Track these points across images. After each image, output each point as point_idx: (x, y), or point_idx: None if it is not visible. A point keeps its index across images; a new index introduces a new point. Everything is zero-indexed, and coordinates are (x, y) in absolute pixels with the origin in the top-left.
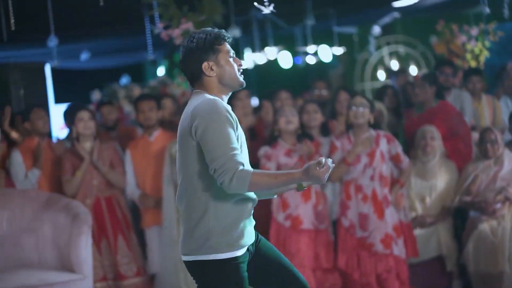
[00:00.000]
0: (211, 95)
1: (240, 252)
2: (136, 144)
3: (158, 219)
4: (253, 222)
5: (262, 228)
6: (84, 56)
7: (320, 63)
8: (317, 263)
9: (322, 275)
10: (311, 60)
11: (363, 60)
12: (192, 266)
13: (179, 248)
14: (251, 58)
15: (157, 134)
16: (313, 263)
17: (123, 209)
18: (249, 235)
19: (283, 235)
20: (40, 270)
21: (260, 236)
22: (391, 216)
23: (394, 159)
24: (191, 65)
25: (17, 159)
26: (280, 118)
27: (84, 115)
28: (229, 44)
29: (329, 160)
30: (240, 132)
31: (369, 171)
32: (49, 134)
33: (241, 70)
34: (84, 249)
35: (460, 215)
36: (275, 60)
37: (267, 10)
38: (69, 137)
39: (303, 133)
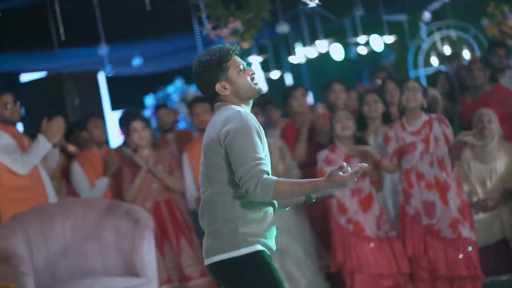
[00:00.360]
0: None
1: (265, 247)
2: (192, 146)
3: None
4: (275, 232)
5: (320, 229)
6: (136, 61)
7: (372, 53)
8: (391, 270)
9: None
10: (362, 50)
11: (415, 47)
12: (220, 267)
13: (205, 251)
14: (302, 53)
15: None
16: (384, 269)
17: (183, 211)
18: (273, 240)
19: (348, 239)
20: (105, 277)
21: None
22: (453, 199)
23: (446, 141)
24: (205, 89)
25: (77, 170)
26: (336, 124)
27: (137, 125)
28: (237, 55)
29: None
30: (265, 143)
31: (427, 158)
32: (106, 142)
33: (254, 78)
34: (148, 253)
35: None
36: (327, 53)
37: (313, 3)
38: (126, 144)
39: (359, 139)
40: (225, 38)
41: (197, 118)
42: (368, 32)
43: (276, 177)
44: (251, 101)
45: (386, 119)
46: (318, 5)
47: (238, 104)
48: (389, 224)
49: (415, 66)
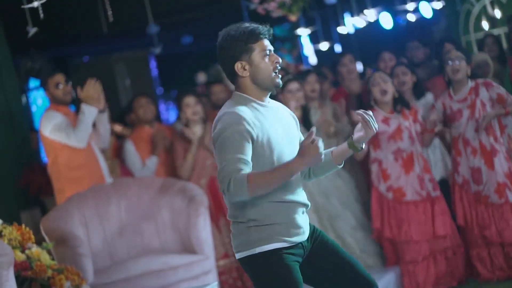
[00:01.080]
0: (247, 93)
1: (284, 244)
2: None
3: None
4: (302, 219)
5: (363, 196)
6: (186, 40)
7: (421, 20)
8: (428, 232)
9: (434, 243)
10: (411, 18)
11: (465, 12)
12: (242, 263)
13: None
14: (351, 22)
15: None
16: (422, 234)
17: None
18: (295, 232)
19: (386, 206)
20: (163, 255)
21: (321, 233)
22: (500, 164)
23: (499, 101)
24: (226, 65)
25: (130, 149)
26: (373, 87)
27: (190, 100)
28: (268, 39)
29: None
30: (270, 136)
31: (472, 123)
32: (157, 120)
33: (278, 68)
34: (204, 230)
35: None
36: (376, 22)
37: None
38: (179, 120)
39: (399, 100)
40: (273, 12)
41: (215, 96)
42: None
43: (249, 175)
44: (267, 94)
45: (419, 91)
46: None
47: (253, 95)
48: (432, 184)
49: (466, 31)
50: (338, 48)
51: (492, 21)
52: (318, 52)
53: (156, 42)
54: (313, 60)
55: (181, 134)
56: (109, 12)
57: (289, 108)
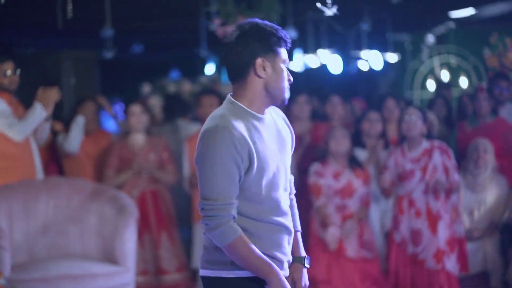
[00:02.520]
0: (248, 99)
1: (249, 274)
2: (192, 138)
3: None
4: (287, 250)
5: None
6: (137, 48)
7: (372, 69)
8: None
9: None
10: (363, 66)
11: (413, 69)
12: (205, 282)
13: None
14: (302, 60)
15: None
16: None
17: (168, 203)
18: (277, 263)
19: (327, 254)
20: (84, 260)
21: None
22: (443, 230)
23: (445, 172)
24: (242, 57)
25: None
26: (330, 139)
27: (136, 109)
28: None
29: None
30: (262, 155)
31: (421, 185)
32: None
33: (289, 86)
34: (129, 242)
35: (507, 231)
36: (326, 64)
37: (330, 11)
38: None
39: (353, 160)
40: None
41: (202, 110)
42: (371, 48)
43: (241, 231)
44: (268, 107)
45: (383, 138)
46: (333, 14)
47: (257, 102)
48: (371, 245)
49: (411, 88)
50: None
51: (439, 82)
52: None
53: (110, 46)
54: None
55: (119, 143)
56: (69, 8)
57: None
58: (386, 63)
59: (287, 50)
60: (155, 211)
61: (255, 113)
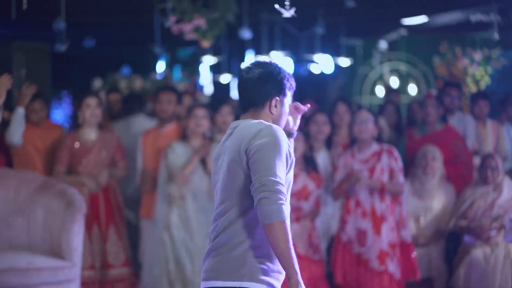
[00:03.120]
0: None
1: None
2: (148, 134)
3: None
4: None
5: None
6: (88, 42)
7: (322, 73)
8: None
9: None
10: (315, 69)
11: (363, 74)
12: None
13: (205, 272)
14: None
15: (169, 128)
16: None
17: (118, 198)
18: (281, 278)
19: None
20: (30, 254)
21: None
22: (387, 232)
23: (390, 174)
24: (260, 92)
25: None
26: None
27: (92, 101)
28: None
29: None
30: (291, 170)
31: (361, 184)
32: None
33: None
34: (76, 237)
35: (453, 239)
36: None
37: (287, 13)
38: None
39: (310, 160)
40: (186, 34)
41: (160, 106)
42: (324, 51)
43: (286, 221)
44: None
45: (329, 142)
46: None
47: None
48: (317, 248)
49: (360, 93)
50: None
51: (388, 88)
52: (217, 84)
53: (64, 39)
54: (208, 90)
55: (70, 136)
56: None
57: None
58: (337, 67)
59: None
60: (105, 205)
61: None
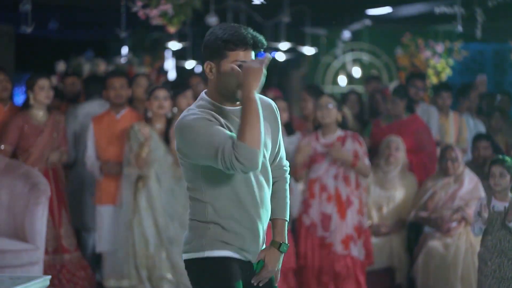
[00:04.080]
0: (213, 96)
1: (236, 255)
2: (101, 119)
3: (113, 198)
4: (261, 237)
5: None
6: (52, 25)
7: (287, 61)
8: None
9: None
10: (280, 57)
11: (326, 63)
12: (186, 264)
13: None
14: None
15: (124, 113)
16: None
17: (63, 183)
18: (251, 248)
19: None
20: None
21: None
22: (352, 217)
23: (355, 158)
24: (202, 60)
25: None
26: None
27: (45, 83)
28: (250, 51)
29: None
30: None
31: (333, 170)
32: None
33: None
34: (40, 220)
35: (415, 229)
36: None
37: (257, 0)
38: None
39: None
40: (153, 19)
41: (114, 92)
42: (288, 40)
43: (239, 141)
44: (231, 102)
45: (289, 128)
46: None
47: (217, 100)
48: None
49: (322, 82)
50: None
51: (351, 78)
52: (181, 69)
53: (29, 21)
54: (172, 75)
55: (21, 116)
56: None
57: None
58: (300, 55)
59: (246, 49)
60: (56, 189)
61: (220, 104)
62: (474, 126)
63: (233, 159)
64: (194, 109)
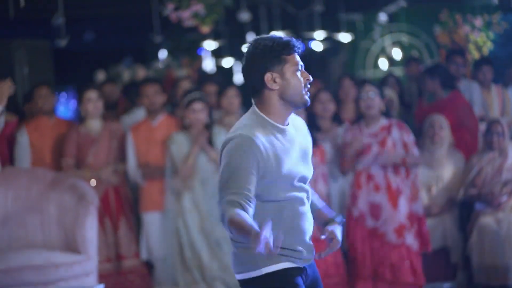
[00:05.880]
0: (269, 112)
1: (292, 264)
2: (138, 128)
3: (159, 204)
4: (308, 245)
5: None
6: (89, 36)
7: (326, 50)
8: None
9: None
10: (317, 46)
11: (365, 48)
12: (243, 284)
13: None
14: None
15: (161, 119)
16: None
17: (126, 190)
18: (300, 254)
19: None
20: (45, 250)
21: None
22: (404, 205)
23: (404, 148)
24: (253, 75)
25: (24, 142)
26: None
27: (92, 95)
28: (299, 55)
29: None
30: (281, 161)
31: (381, 160)
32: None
33: (308, 87)
34: (90, 230)
35: (466, 207)
36: None
37: None
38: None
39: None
40: (185, 21)
41: (148, 99)
42: (324, 28)
43: (236, 211)
44: (292, 111)
45: (337, 118)
46: None
47: (276, 111)
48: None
49: (363, 67)
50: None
51: (392, 61)
52: (220, 68)
53: (63, 34)
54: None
55: (76, 130)
56: None
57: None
58: (338, 43)
59: (297, 53)
60: (115, 197)
61: (277, 124)
62: None
63: (223, 216)
64: (250, 124)
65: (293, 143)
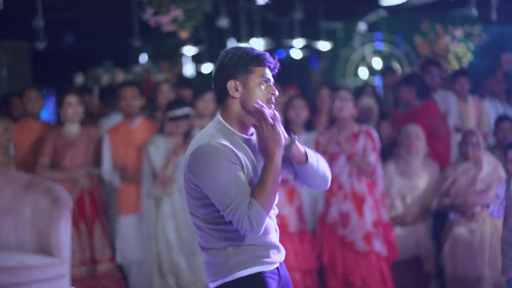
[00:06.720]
0: (232, 121)
1: (265, 267)
2: (116, 130)
3: (135, 207)
4: (276, 236)
5: None
6: (68, 38)
7: (305, 57)
8: (298, 264)
9: (300, 277)
10: (296, 54)
11: (345, 57)
12: None
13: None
14: None
15: (139, 122)
16: (297, 265)
17: (101, 194)
18: (273, 251)
19: None
20: (18, 253)
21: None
22: (369, 212)
23: (364, 154)
24: (219, 82)
25: None
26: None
27: (72, 99)
28: (270, 70)
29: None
30: (249, 168)
31: (347, 168)
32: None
33: (273, 101)
34: (64, 233)
35: (440, 216)
36: None
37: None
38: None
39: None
40: (164, 26)
41: (126, 102)
42: (304, 36)
43: (254, 200)
44: (253, 121)
45: (309, 125)
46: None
47: (236, 121)
48: (307, 219)
49: (343, 76)
50: None
51: (372, 70)
52: (199, 74)
53: (42, 36)
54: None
55: (54, 132)
56: None
57: None
58: (317, 52)
59: (269, 68)
60: (90, 201)
61: (241, 134)
62: (503, 110)
63: (244, 218)
64: (215, 134)
65: (257, 153)
